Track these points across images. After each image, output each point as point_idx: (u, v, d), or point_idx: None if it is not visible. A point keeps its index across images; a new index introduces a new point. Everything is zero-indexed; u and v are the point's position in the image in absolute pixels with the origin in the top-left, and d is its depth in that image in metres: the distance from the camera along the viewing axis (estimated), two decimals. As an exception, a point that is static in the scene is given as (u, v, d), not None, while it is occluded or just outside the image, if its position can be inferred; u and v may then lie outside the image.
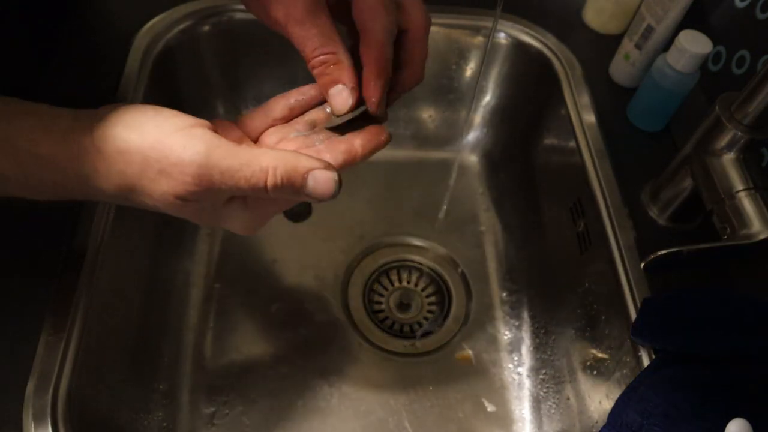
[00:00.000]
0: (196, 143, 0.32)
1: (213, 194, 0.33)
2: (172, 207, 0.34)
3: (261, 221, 0.38)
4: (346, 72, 0.37)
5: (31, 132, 0.33)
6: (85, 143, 0.33)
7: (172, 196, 0.33)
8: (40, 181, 0.34)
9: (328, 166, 0.34)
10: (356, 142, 0.38)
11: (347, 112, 0.38)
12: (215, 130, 0.35)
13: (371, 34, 0.37)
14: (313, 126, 0.40)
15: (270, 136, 0.40)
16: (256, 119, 0.40)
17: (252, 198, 0.36)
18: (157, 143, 0.32)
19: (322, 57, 0.36)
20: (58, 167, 0.33)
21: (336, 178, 0.34)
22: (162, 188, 0.33)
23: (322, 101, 0.41)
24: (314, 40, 0.36)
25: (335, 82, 0.37)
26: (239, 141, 0.39)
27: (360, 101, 0.38)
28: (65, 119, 0.34)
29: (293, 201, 0.38)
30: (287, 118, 0.41)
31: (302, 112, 0.41)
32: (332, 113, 0.39)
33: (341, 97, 0.37)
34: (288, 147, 0.39)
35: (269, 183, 0.32)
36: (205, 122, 0.35)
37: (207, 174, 0.32)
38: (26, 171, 0.33)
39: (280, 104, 0.41)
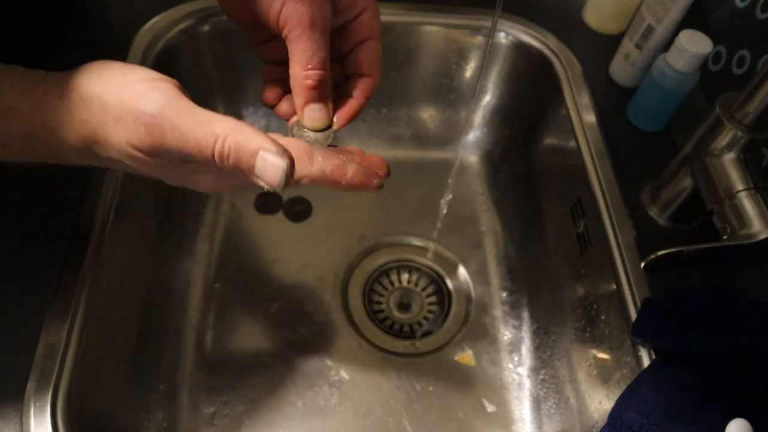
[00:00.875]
0: (156, 95, 0.32)
1: (165, 152, 0.32)
2: (133, 160, 0.33)
3: (225, 188, 0.38)
4: (330, 94, 0.38)
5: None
6: (51, 92, 0.33)
7: (128, 145, 0.32)
8: (8, 132, 0.33)
9: (282, 153, 0.31)
10: (350, 168, 0.37)
11: (318, 131, 0.39)
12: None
13: (371, 80, 0.41)
14: None
15: None
16: None
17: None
18: (117, 90, 0.32)
19: (323, 72, 0.37)
20: (24, 116, 0.33)
21: (284, 166, 0.31)
22: (119, 137, 0.32)
23: None
24: (323, 54, 0.37)
25: (321, 100, 0.38)
26: None
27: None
28: (38, 74, 0.34)
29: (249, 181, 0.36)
30: None
31: None
32: (304, 126, 0.40)
33: (322, 114, 0.38)
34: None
35: (216, 149, 0.31)
36: (174, 81, 0.34)
37: (159, 126, 0.31)
38: None
39: None
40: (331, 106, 0.39)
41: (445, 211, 0.71)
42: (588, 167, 0.59)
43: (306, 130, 0.40)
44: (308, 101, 0.38)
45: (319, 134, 0.40)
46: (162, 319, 0.61)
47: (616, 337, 0.52)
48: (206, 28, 0.67)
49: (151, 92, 0.32)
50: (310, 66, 0.36)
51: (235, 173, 0.32)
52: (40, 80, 0.33)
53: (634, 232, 0.54)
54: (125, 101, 0.32)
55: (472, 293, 0.70)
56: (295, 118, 0.40)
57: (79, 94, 0.33)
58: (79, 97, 0.33)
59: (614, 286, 0.52)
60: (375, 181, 0.37)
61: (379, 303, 0.69)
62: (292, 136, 0.40)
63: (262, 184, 0.32)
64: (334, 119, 0.40)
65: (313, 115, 0.38)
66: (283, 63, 0.41)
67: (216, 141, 0.31)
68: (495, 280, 0.71)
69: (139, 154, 0.33)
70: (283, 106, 0.42)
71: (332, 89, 0.39)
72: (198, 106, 0.33)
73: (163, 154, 0.33)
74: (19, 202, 0.50)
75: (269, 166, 0.31)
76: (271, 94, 0.42)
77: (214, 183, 0.37)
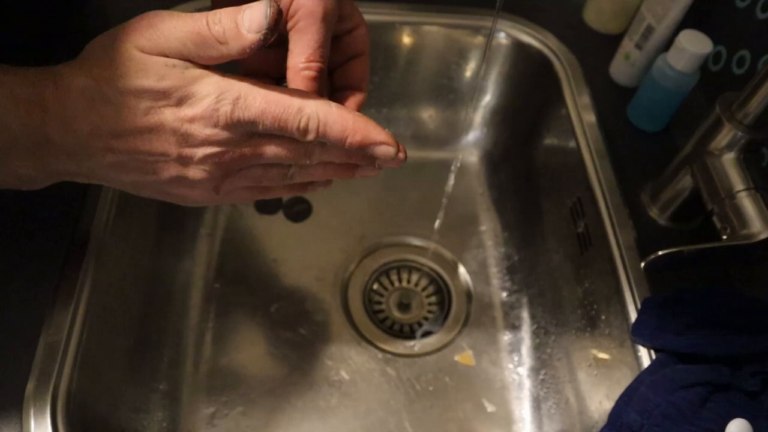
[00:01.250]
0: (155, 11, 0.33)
1: (165, 41, 0.32)
2: (138, 73, 0.32)
3: (225, 188, 0.36)
4: (325, 91, 0.39)
5: (11, 73, 0.33)
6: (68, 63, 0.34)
7: (135, 48, 0.32)
8: (23, 117, 0.32)
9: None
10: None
11: None
12: None
13: (361, 94, 0.41)
14: None
15: None
16: None
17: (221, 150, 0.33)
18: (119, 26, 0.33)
19: (320, 65, 0.36)
20: (33, 74, 0.33)
21: (266, 7, 0.32)
22: (125, 45, 0.32)
23: None
24: (326, 49, 0.37)
25: (317, 92, 0.37)
26: None
27: None
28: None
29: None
30: None
31: None
32: None
33: None
34: None
35: (209, 19, 0.32)
36: None
37: (160, 17, 0.32)
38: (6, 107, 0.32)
39: None
40: (328, 99, 0.38)
41: (444, 210, 0.71)
42: (588, 167, 0.59)
43: None
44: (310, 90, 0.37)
45: None
46: (162, 318, 0.61)
47: (616, 337, 0.52)
48: (206, 28, 0.67)
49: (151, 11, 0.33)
50: (312, 58, 0.36)
51: (222, 44, 0.32)
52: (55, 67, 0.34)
53: (634, 232, 0.54)
54: (127, 22, 0.33)
55: (472, 293, 0.70)
56: None
57: (86, 47, 0.34)
58: (85, 49, 0.34)
59: (614, 286, 0.52)
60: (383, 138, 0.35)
61: (379, 303, 0.69)
62: None
63: (250, 36, 0.32)
64: None
65: None
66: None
67: (208, 14, 0.32)
68: (495, 280, 0.71)
69: (144, 56, 0.32)
70: None
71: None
72: None
73: (164, 45, 0.32)
74: (19, 202, 0.50)
75: (254, 10, 0.32)
76: None
77: (212, 174, 0.34)
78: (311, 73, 0.36)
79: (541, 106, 0.70)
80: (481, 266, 0.72)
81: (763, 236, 0.44)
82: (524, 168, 0.73)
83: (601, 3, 0.70)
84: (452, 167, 0.77)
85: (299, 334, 0.64)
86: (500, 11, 0.70)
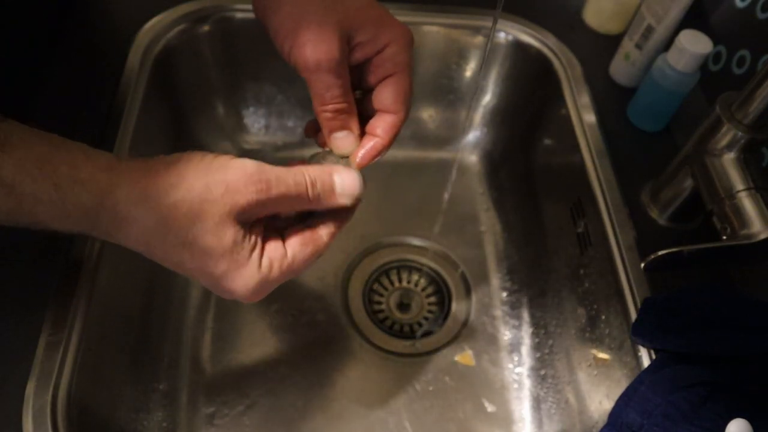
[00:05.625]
0: (246, 161, 0.36)
1: (273, 202, 0.36)
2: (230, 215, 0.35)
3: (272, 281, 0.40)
4: (355, 122, 0.41)
5: (73, 157, 0.34)
6: (134, 170, 0.35)
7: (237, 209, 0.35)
8: (77, 204, 0.33)
9: (352, 169, 0.40)
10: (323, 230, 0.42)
11: (346, 157, 0.42)
12: None
13: (393, 117, 0.42)
14: None
15: None
16: None
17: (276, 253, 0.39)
18: (211, 172, 0.35)
19: (339, 105, 0.40)
20: (98, 189, 0.34)
21: (359, 175, 0.40)
22: (221, 209, 0.35)
23: None
24: (336, 90, 0.39)
25: (344, 128, 0.41)
26: None
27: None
28: (107, 155, 0.35)
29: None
30: None
31: None
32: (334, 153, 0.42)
33: (347, 141, 0.41)
34: None
35: (308, 180, 0.37)
36: None
37: (267, 181, 0.35)
38: (64, 193, 0.33)
39: None
40: (357, 131, 0.41)
41: (444, 211, 0.71)
42: (588, 167, 0.59)
43: (335, 155, 0.42)
44: (331, 130, 0.41)
45: (347, 159, 0.42)
46: (162, 318, 0.61)
47: (616, 337, 0.52)
48: (206, 28, 0.67)
49: (239, 162, 0.36)
50: (324, 101, 0.39)
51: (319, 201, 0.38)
52: (116, 159, 0.35)
53: (634, 232, 0.54)
54: (227, 178, 0.35)
55: (472, 293, 0.70)
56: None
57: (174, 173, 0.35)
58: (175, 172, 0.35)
59: (614, 286, 0.52)
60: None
61: (379, 303, 0.69)
62: (324, 160, 0.42)
63: (344, 200, 0.39)
64: (358, 159, 0.42)
65: (337, 143, 0.41)
66: None
67: (305, 175, 0.37)
68: (495, 280, 0.71)
69: (239, 220, 0.35)
70: (321, 137, 0.44)
71: (357, 116, 0.41)
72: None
73: (271, 207, 0.37)
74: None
75: (347, 179, 0.39)
76: (309, 129, 0.46)
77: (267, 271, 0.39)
78: (328, 114, 0.40)
79: (541, 106, 0.70)
80: (481, 266, 0.72)
81: (763, 236, 0.44)
82: (524, 168, 0.73)
83: (601, 3, 0.70)
84: (452, 167, 0.77)
85: (299, 334, 0.64)
86: (500, 11, 0.70)
